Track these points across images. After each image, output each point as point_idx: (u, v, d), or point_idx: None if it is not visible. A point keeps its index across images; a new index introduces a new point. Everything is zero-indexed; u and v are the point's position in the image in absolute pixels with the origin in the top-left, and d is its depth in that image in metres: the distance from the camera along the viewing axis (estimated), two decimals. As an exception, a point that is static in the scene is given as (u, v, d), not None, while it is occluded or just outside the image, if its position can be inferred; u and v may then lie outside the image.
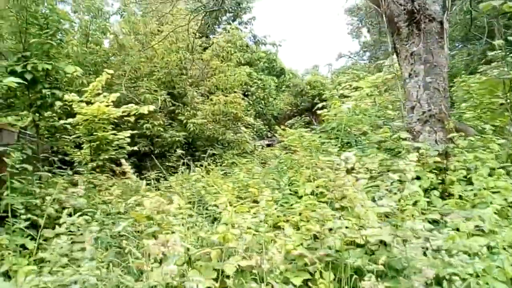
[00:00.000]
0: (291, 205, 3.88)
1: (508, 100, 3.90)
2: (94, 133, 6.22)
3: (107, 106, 6.31)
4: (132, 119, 6.80)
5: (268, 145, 15.66)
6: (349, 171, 4.55)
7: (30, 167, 3.91)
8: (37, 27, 5.00)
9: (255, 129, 14.57)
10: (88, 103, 6.50)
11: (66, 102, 6.46)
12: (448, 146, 4.20)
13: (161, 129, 10.05)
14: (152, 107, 6.65)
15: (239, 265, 2.50)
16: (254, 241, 2.85)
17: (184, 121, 10.59)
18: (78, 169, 6.27)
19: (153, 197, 3.34)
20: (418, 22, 4.70)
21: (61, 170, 5.12)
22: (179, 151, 10.48)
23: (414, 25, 4.75)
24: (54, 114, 6.29)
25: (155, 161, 10.36)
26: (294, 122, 19.17)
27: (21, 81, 4.14)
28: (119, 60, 10.54)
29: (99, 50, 9.83)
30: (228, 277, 2.46)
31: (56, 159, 5.34)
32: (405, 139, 4.46)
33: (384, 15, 4.88)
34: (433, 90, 4.63)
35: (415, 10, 4.64)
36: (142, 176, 9.06)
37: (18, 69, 4.51)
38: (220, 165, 9.35)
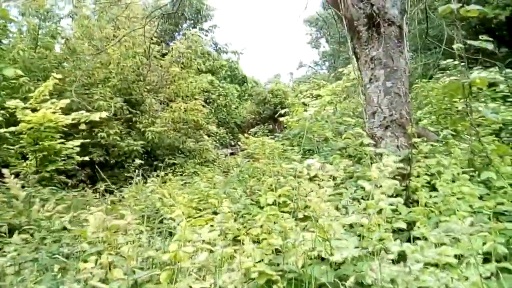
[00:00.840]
0: (253, 216, 3.65)
1: (468, 105, 3.87)
2: (40, 143, 5.72)
3: (54, 113, 5.84)
4: (83, 127, 6.33)
5: (232, 154, 15.43)
6: (312, 179, 4.40)
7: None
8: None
9: (217, 138, 14.31)
10: (34, 110, 6.00)
11: (9, 109, 5.95)
12: (411, 151, 4.13)
13: (117, 138, 9.56)
14: (104, 114, 6.23)
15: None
16: (210, 259, 2.59)
17: (142, 130, 10.15)
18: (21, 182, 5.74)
19: (96, 212, 3.01)
20: (377, 26, 4.64)
21: (-3, 184, 4.62)
22: (137, 161, 10.03)
23: (373, 29, 4.69)
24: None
25: (110, 172, 9.88)
26: (257, 130, 19.10)
27: None
28: (72, 66, 9.98)
29: (49, 55, 9.24)
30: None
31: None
32: (368, 145, 4.35)
33: (344, 19, 4.79)
34: (394, 95, 4.57)
35: (375, 14, 4.58)
36: (94, 188, 8.55)
37: None
38: (181, 175, 9.00)
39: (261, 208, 4.00)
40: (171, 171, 9.12)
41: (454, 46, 3.82)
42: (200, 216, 3.87)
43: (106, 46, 9.87)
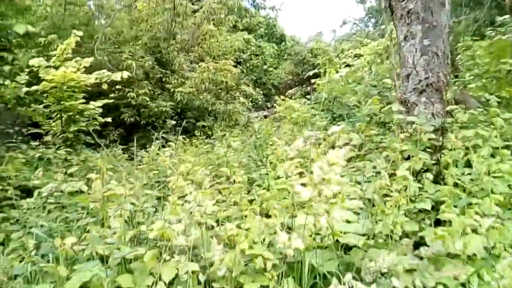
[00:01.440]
0: (264, 189, 3.41)
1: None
2: (62, 102, 5.68)
3: (76, 71, 5.74)
4: (105, 87, 6.21)
5: (266, 116, 15.13)
6: (333, 148, 4.06)
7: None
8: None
9: (251, 100, 13.97)
10: (58, 68, 5.94)
11: (33, 68, 5.92)
12: (446, 120, 3.66)
13: (147, 99, 9.49)
14: (126, 73, 6.06)
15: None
16: (205, 237, 2.41)
17: (172, 90, 10.02)
18: (46, 141, 5.81)
19: (96, 178, 2.88)
20: (417, -25, 4.05)
21: (14, 144, 4.65)
22: (169, 122, 10.01)
23: (412, -22, 4.10)
24: (22, 81, 5.78)
25: (142, 133, 9.94)
26: (295, 92, 18.59)
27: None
28: (100, 24, 9.87)
29: (78, 12, 9.14)
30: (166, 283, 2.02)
31: (12, 131, 4.86)
32: (397, 112, 3.91)
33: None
34: (432, 55, 4.03)
35: (414, -39, 3.98)
36: (124, 147, 8.62)
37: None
38: (209, 138, 8.88)
39: (276, 179, 3.75)
40: (201, 133, 9.00)
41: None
42: (211, 186, 3.69)
43: (135, 2, 9.62)
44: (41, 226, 2.78)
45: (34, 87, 5.54)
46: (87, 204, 2.85)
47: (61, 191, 3.53)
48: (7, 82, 4.96)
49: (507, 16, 6.44)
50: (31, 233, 2.66)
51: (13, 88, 5.11)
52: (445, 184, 3.09)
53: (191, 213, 2.38)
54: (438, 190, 2.85)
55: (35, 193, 2.98)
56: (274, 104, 15.32)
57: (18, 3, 4.52)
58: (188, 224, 2.34)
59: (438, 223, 2.67)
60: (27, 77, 5.94)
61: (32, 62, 5.61)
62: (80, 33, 6.06)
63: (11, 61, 4.37)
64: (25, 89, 5.45)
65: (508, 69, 4.16)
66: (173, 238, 2.12)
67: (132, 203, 2.63)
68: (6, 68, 4.30)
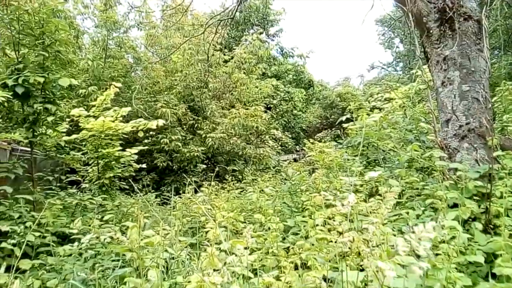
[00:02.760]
0: (300, 236, 3.30)
1: None
2: (100, 150, 5.86)
3: (114, 121, 5.96)
4: (141, 134, 6.40)
5: (295, 160, 15.06)
6: (372, 195, 3.92)
7: (9, 189, 3.54)
8: (32, 37, 4.71)
9: (280, 143, 14.01)
10: (97, 118, 6.20)
11: (74, 117, 6.19)
12: (492, 167, 3.49)
13: (179, 144, 9.69)
14: (161, 122, 6.23)
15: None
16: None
17: (203, 136, 10.20)
18: (84, 187, 5.94)
19: (132, 227, 2.86)
20: (451, 21, 4.05)
21: (52, 191, 4.76)
22: (200, 166, 10.11)
23: (446, 25, 4.10)
24: (63, 130, 6.04)
25: (173, 177, 10.05)
26: (324, 136, 18.54)
27: (8, 95, 3.81)
28: (139, 76, 10.37)
29: (117, 64, 9.66)
30: None
31: (52, 178, 5.00)
32: (439, 158, 3.77)
33: (410, 15, 4.24)
34: (472, 100, 3.93)
35: (448, 8, 3.99)
36: (158, 193, 8.72)
37: (10, 82, 4.21)
38: (239, 182, 8.85)
39: (312, 227, 3.63)
40: (231, 177, 9.00)
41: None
42: (242, 234, 3.60)
43: (171, 55, 10.09)
44: (77, 274, 2.76)
45: (74, 136, 5.77)
46: (123, 252, 2.83)
47: (97, 238, 3.54)
48: (49, 131, 5.18)
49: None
50: (66, 281, 2.63)
51: (54, 137, 5.32)
52: (495, 234, 2.89)
53: (225, 263, 2.31)
54: (491, 241, 2.66)
55: (76, 241, 2.98)
56: (303, 148, 15.27)
57: (63, 58, 4.80)
58: (225, 275, 2.26)
59: (491, 276, 2.48)
60: (67, 126, 6.22)
61: (73, 112, 5.88)
62: (119, 85, 6.35)
63: (55, 112, 4.59)
64: (65, 137, 5.67)
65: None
66: (212, 291, 2.04)
67: (167, 251, 2.57)
68: (50, 118, 4.51)
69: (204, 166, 10.25)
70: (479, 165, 3.76)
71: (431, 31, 4.27)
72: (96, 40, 9.60)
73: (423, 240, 2.52)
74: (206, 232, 2.65)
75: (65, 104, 8.08)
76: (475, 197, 3.29)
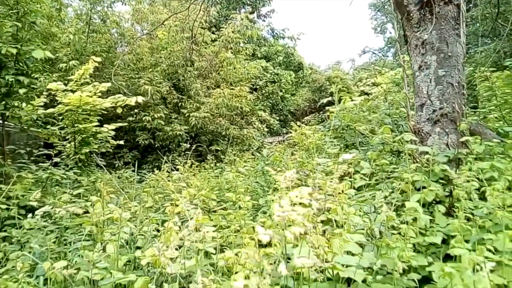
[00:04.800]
0: (269, 215, 3.31)
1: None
2: (76, 125, 5.78)
3: (92, 96, 5.86)
4: (119, 110, 6.31)
5: (282, 142, 15.10)
6: (343, 177, 3.95)
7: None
8: (6, 7, 4.56)
9: (265, 125, 13.99)
10: (75, 92, 6.08)
11: (51, 92, 6.08)
12: (461, 151, 3.53)
13: (162, 122, 9.60)
14: (140, 98, 6.15)
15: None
16: (202, 263, 2.32)
17: (187, 115, 10.13)
18: (57, 162, 5.87)
19: (97, 201, 2.85)
20: (431, 5, 4.02)
21: (25, 165, 4.70)
22: (184, 145, 10.07)
23: (426, 8, 4.07)
24: (40, 104, 5.94)
25: (155, 155, 10.01)
26: (312, 119, 18.58)
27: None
28: (123, 51, 10.18)
29: (100, 39, 9.45)
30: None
31: (24, 151, 4.93)
32: (410, 142, 3.79)
33: (390, -4, 4.20)
34: (446, 85, 3.94)
35: (428, -10, 3.96)
36: (139, 170, 8.69)
37: (-19, 52, 4.09)
38: (221, 162, 8.86)
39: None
40: (213, 157, 9.00)
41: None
42: (215, 211, 3.62)
43: (155, 31, 9.89)
44: (40, 246, 2.75)
45: (50, 110, 5.67)
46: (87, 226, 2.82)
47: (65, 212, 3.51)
48: (24, 104, 5.08)
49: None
50: (30, 253, 2.62)
51: (28, 111, 5.22)
52: (457, 217, 2.95)
53: (181, 239, 2.31)
54: (449, 224, 2.71)
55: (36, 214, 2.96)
56: (290, 130, 15.34)
57: (38, 29, 4.67)
58: (183, 251, 2.27)
59: (450, 258, 2.53)
60: (45, 100, 6.10)
61: (50, 85, 5.76)
62: (99, 59, 6.22)
63: (27, 84, 4.48)
64: (41, 111, 5.57)
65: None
66: (166, 266, 2.05)
67: (129, 226, 2.56)
68: (21, 91, 4.40)
69: (188, 145, 10.20)
70: (449, 149, 3.80)
71: (411, 14, 4.24)
72: (80, 14, 9.35)
73: (377, 221, 2.56)
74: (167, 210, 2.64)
75: (45, 78, 7.92)
76: (441, 181, 3.34)
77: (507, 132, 4.27)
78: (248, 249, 2.52)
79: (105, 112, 6.68)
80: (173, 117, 10.55)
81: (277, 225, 2.63)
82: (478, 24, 11.99)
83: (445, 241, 2.74)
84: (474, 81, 6.25)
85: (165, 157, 6.25)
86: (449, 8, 4.06)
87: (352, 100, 6.33)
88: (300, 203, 1.49)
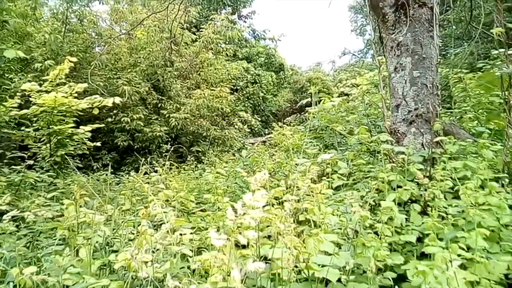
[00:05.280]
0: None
1: (506, 99, 3.27)
2: (51, 126, 5.64)
3: (68, 97, 5.73)
4: (96, 111, 6.19)
5: (264, 142, 15.11)
6: (321, 177, 3.98)
7: None
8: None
9: (246, 125, 13.99)
10: (49, 93, 5.94)
11: (25, 92, 5.92)
12: (435, 151, 3.60)
13: (141, 123, 9.48)
14: (118, 99, 6.04)
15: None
16: (178, 266, 2.29)
17: (167, 116, 10.03)
18: (31, 165, 5.71)
19: (69, 205, 2.78)
20: (406, 7, 4.09)
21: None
22: (165, 146, 9.97)
23: (401, 11, 4.14)
24: (14, 105, 5.79)
25: (135, 157, 9.88)
26: (293, 120, 18.67)
27: None
28: (103, 50, 10.00)
29: (77, 39, 9.26)
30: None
31: (-4, 153, 4.78)
32: (385, 142, 3.85)
33: (366, -1, 4.26)
34: (421, 86, 4.02)
35: (403, -7, 4.03)
36: (118, 173, 8.56)
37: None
38: (202, 163, 8.81)
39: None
40: (194, 158, 8.93)
41: (493, 31, 3.23)
42: (193, 213, 3.59)
43: (134, 31, 9.77)
44: (11, 251, 2.67)
45: (24, 111, 5.52)
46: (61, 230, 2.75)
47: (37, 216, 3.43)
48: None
49: (502, 50, 6.49)
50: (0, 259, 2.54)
51: (1, 111, 5.07)
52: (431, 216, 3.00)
53: (155, 242, 2.28)
54: (424, 222, 2.75)
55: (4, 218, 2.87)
56: (272, 131, 15.37)
57: (10, 28, 4.54)
58: (157, 254, 2.24)
59: (425, 256, 2.57)
60: (18, 101, 5.94)
61: (24, 86, 5.61)
62: (74, 59, 6.09)
63: (-1, 85, 4.36)
64: (14, 112, 5.42)
65: (499, 101, 4.12)
66: (139, 270, 2.01)
67: (103, 230, 2.52)
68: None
69: (168, 146, 10.11)
70: (424, 149, 3.87)
71: (386, 17, 4.31)
72: (56, 13, 9.15)
73: (353, 220, 2.58)
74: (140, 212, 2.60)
75: (20, 78, 7.72)
76: (416, 180, 3.39)
77: (480, 132, 4.37)
78: (225, 250, 2.51)
79: (82, 114, 6.55)
80: (153, 118, 10.44)
81: (237, 228, 2.63)
82: (454, 27, 12.26)
83: (420, 240, 2.79)
84: (449, 82, 6.39)
85: (143, 159, 6.15)
86: (423, 11, 4.14)
87: (331, 101, 6.39)
88: (253, 207, 1.49)
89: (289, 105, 24.28)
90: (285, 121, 14.48)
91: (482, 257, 2.26)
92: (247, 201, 1.47)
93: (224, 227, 3.27)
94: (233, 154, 9.23)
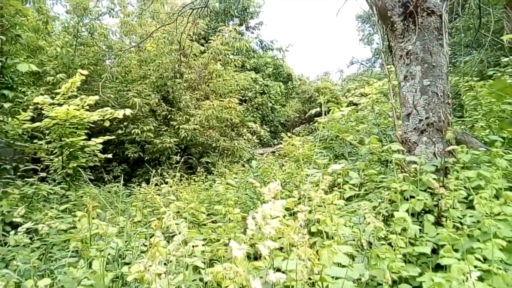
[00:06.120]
0: (259, 227, 3.29)
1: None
2: (63, 139, 5.71)
3: (79, 109, 5.80)
4: (107, 124, 6.26)
5: (273, 153, 15.10)
6: (332, 188, 3.95)
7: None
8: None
9: (255, 136, 14.00)
10: (62, 106, 6.02)
11: (38, 105, 6.01)
12: (448, 161, 3.56)
13: (151, 135, 9.54)
14: (128, 111, 6.11)
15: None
16: (190, 278, 2.28)
17: (177, 127, 10.09)
18: (44, 177, 5.78)
19: (82, 217, 2.80)
20: (414, 16, 4.09)
21: (11, 181, 4.62)
22: (175, 158, 10.01)
23: (410, 19, 4.14)
24: (27, 118, 5.88)
25: (145, 169, 9.93)
26: (302, 130, 18.64)
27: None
28: (114, 63, 10.14)
29: (88, 52, 9.41)
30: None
31: (9, 167, 4.85)
32: (398, 151, 3.82)
33: (374, 8, 4.26)
34: (432, 94, 3.99)
35: (411, 2, 4.03)
36: (129, 184, 8.61)
37: (-36, 66, 4.05)
38: (212, 174, 8.82)
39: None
40: (204, 169, 8.95)
41: (504, 37, 3.20)
42: (204, 225, 3.58)
43: (144, 43, 9.90)
44: (25, 264, 2.68)
45: (37, 124, 5.60)
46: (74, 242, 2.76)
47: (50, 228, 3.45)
48: (9, 119, 5.01)
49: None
50: (15, 271, 2.55)
51: (14, 125, 5.15)
52: (445, 226, 2.96)
53: (169, 254, 2.27)
54: (438, 233, 2.71)
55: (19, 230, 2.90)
56: (281, 141, 15.34)
57: (23, 42, 4.63)
58: (170, 266, 2.24)
59: (440, 267, 2.53)
60: (31, 114, 6.03)
61: (37, 99, 5.70)
62: (86, 72, 6.18)
63: (12, 98, 4.42)
64: (26, 125, 5.50)
65: (511, 109, 4.08)
66: (152, 282, 2.01)
67: (116, 242, 2.52)
68: (6, 105, 4.34)
69: (178, 158, 10.15)
70: (436, 158, 3.83)
71: (395, 25, 4.30)
72: (67, 27, 9.32)
73: (366, 232, 2.56)
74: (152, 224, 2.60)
75: (32, 91, 7.85)
76: (430, 190, 3.35)
77: (493, 140, 4.31)
78: (240, 262, 2.50)
79: (93, 126, 6.63)
80: (162, 129, 10.51)
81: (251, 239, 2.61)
82: (463, 35, 12.21)
83: (435, 251, 2.75)
84: (459, 90, 6.34)
85: (154, 170, 6.18)
86: (432, 19, 4.13)
87: (340, 111, 6.38)
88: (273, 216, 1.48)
89: (297, 115, 24.30)
90: (294, 131, 14.47)
91: (500, 268, 2.22)
92: (267, 210, 1.46)
93: (236, 239, 3.26)
94: (243, 165, 9.22)
